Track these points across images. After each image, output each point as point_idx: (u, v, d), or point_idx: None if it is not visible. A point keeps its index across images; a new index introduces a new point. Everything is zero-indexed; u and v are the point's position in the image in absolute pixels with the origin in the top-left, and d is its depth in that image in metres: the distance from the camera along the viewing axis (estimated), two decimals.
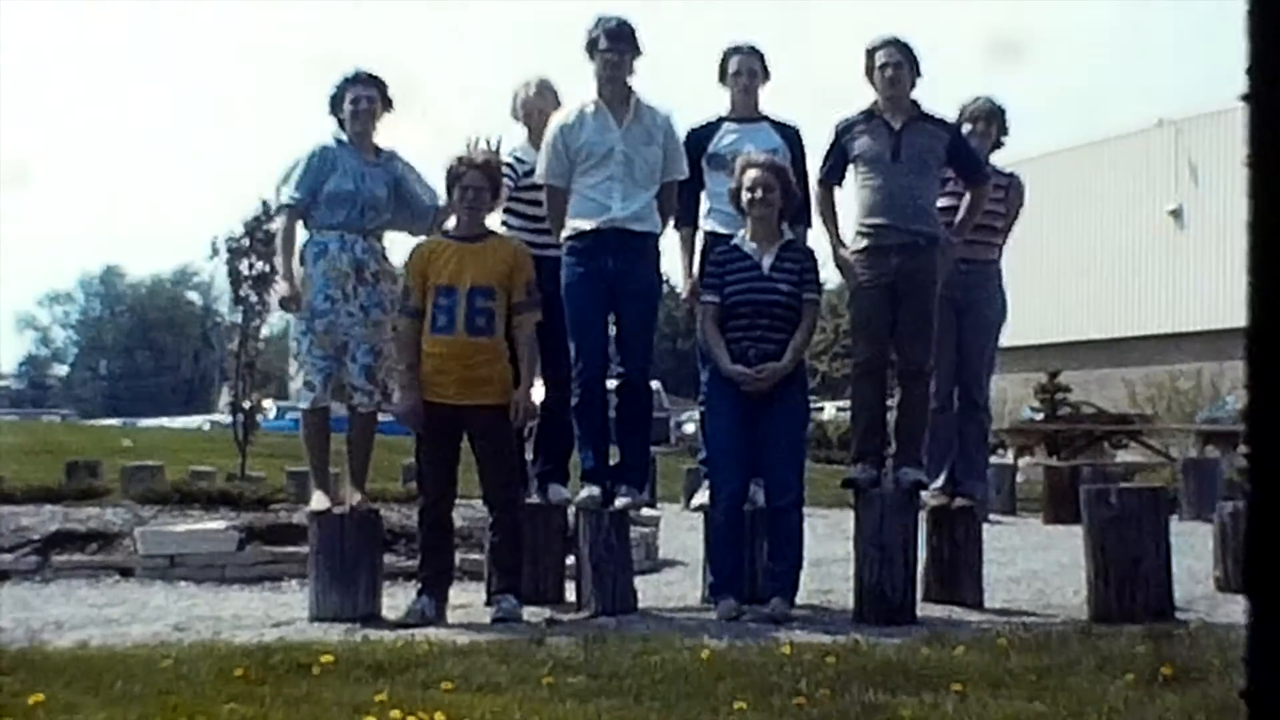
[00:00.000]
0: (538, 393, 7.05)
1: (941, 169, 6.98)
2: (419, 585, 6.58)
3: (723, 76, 7.21)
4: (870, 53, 6.90)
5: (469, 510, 7.55)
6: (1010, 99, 7.69)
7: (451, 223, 6.86)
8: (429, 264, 6.57)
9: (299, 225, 6.90)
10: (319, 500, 6.76)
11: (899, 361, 6.88)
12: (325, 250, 6.76)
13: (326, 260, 6.75)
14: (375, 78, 6.92)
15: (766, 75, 7.22)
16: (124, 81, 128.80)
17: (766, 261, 6.54)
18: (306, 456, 7.05)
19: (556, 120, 6.81)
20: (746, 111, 7.16)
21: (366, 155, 6.88)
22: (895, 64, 6.81)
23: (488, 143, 6.88)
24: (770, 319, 6.49)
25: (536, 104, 7.24)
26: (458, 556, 6.94)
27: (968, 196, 7.17)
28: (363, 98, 6.83)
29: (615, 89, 6.74)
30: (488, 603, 6.66)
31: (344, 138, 6.91)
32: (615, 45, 6.68)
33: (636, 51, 6.78)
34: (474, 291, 6.49)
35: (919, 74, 6.88)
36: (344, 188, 6.76)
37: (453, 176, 6.64)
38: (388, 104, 6.95)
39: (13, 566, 7.83)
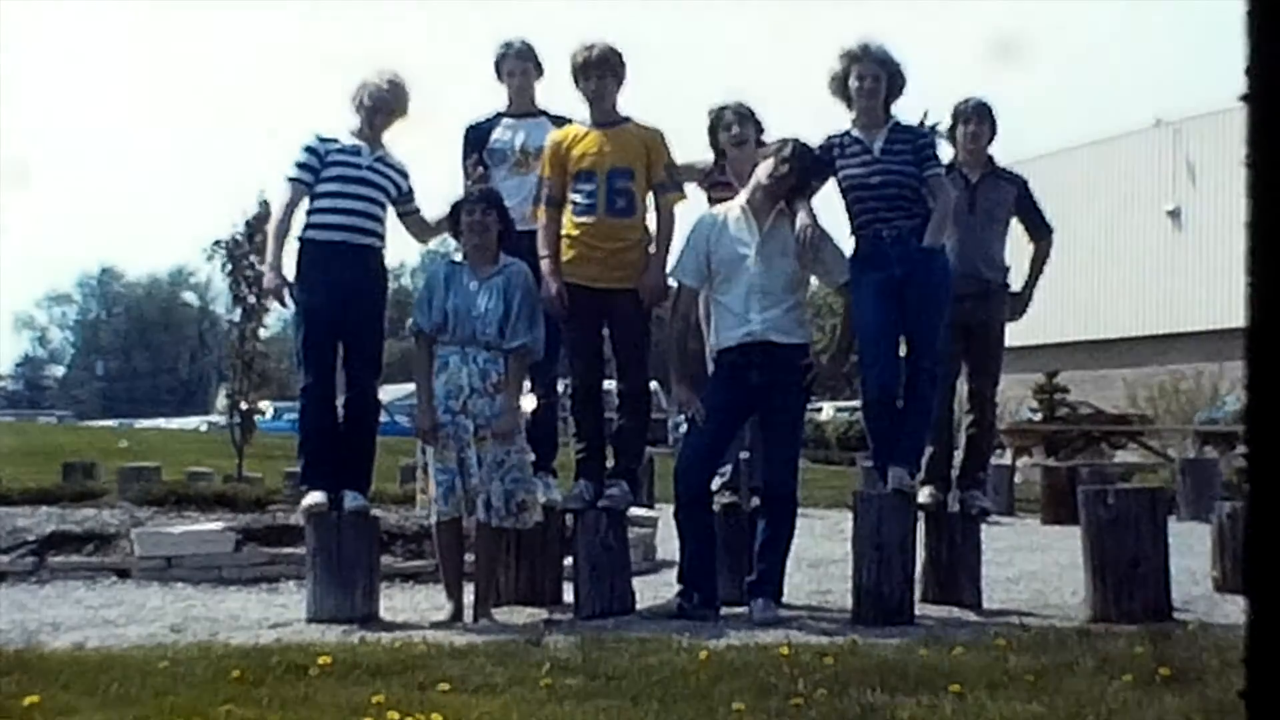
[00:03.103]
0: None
1: (1010, 219, 7.49)
2: (577, 469, 6.84)
3: (714, 138, 7.18)
4: (955, 115, 7.31)
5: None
6: (1008, 99, 7.71)
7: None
8: (567, 152, 6.70)
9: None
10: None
11: (972, 391, 7.48)
12: (446, 364, 6.63)
13: (447, 374, 6.61)
14: (494, 193, 6.81)
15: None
16: (122, 82, 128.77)
17: (877, 145, 6.68)
18: (440, 567, 6.86)
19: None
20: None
21: (482, 270, 6.69)
22: (977, 120, 7.29)
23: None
24: (881, 200, 6.63)
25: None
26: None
27: (1033, 248, 7.76)
28: (478, 210, 6.66)
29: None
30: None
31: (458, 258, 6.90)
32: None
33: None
34: (613, 174, 6.63)
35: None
36: (460, 306, 6.62)
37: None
38: (505, 220, 6.72)
39: (9, 568, 7.82)
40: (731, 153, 6.99)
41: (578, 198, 6.69)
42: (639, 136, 6.78)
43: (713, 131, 7.07)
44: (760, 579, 6.52)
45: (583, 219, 6.68)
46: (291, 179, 6.91)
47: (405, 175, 7.07)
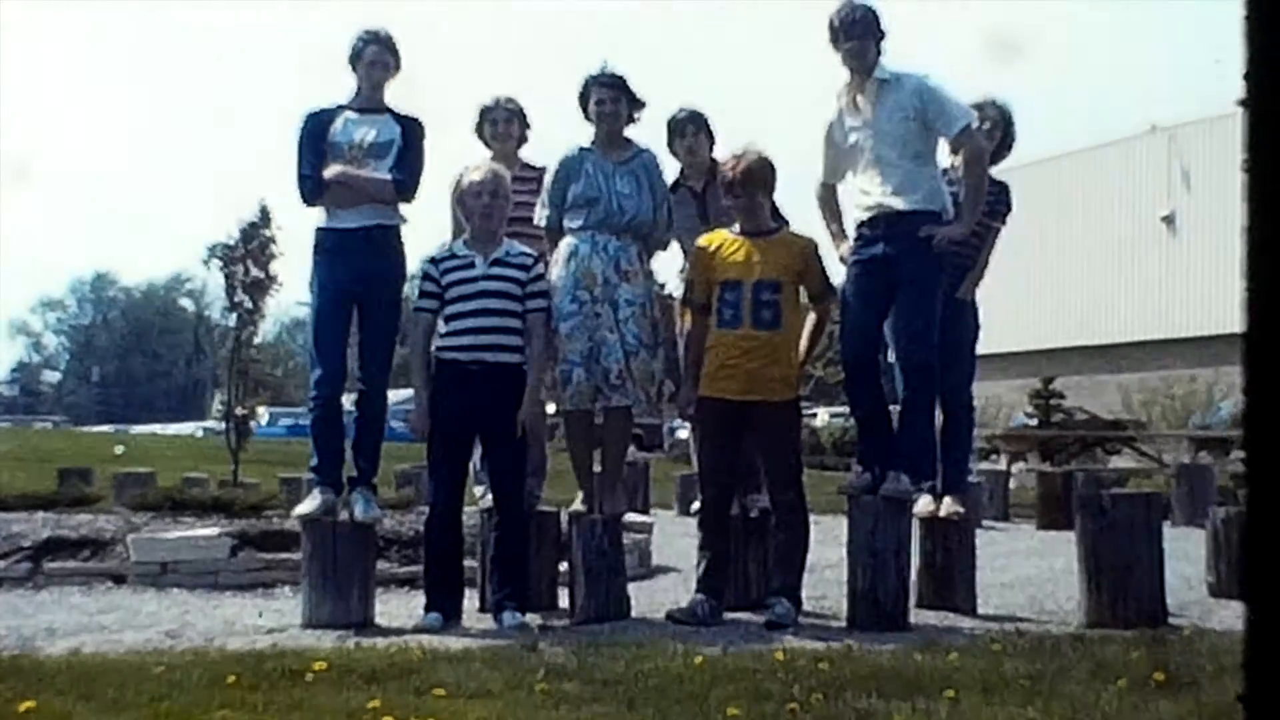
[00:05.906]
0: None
1: None
2: (699, 583, 6.61)
3: (671, 143, 7.30)
4: (670, 128, 7.26)
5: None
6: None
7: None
8: (713, 257, 6.58)
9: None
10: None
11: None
12: (575, 252, 6.68)
13: (576, 261, 6.65)
14: (621, 78, 6.86)
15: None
16: (118, 85, 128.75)
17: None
18: (572, 460, 6.97)
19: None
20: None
21: (613, 155, 6.83)
22: (694, 131, 7.25)
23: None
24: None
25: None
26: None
27: None
28: (607, 99, 6.80)
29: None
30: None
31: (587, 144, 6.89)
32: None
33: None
34: (760, 285, 6.46)
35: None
36: (589, 193, 6.74)
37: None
38: (636, 105, 6.90)
39: (5, 574, 7.82)
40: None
41: (723, 310, 6.51)
42: (795, 247, 6.63)
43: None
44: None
45: (726, 331, 6.51)
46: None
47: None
